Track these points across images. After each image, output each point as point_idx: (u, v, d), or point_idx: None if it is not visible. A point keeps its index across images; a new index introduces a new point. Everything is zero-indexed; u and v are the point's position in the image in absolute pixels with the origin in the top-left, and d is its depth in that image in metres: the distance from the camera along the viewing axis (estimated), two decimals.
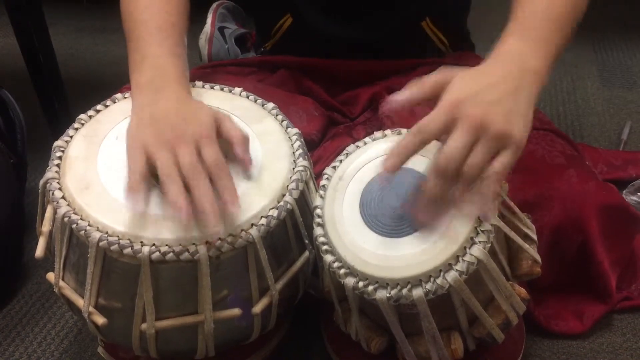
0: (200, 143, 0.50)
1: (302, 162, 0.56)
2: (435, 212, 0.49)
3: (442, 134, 0.48)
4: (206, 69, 0.79)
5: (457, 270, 0.48)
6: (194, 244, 0.49)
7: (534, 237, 0.57)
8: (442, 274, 0.48)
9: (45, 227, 0.54)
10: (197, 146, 0.50)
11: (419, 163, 0.53)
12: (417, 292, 0.48)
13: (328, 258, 0.52)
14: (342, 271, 0.51)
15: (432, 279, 0.48)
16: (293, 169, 0.55)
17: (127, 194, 0.49)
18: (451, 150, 0.47)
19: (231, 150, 0.52)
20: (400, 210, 0.51)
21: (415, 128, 0.49)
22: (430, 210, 0.49)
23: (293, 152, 0.56)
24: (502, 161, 0.47)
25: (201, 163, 0.49)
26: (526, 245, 0.55)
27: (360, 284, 0.50)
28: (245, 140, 0.52)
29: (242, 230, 0.51)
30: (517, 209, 0.56)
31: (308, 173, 0.56)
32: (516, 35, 0.53)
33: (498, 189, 0.48)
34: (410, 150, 0.49)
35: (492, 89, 0.49)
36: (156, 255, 0.49)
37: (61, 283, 0.55)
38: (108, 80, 1.24)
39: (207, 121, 0.52)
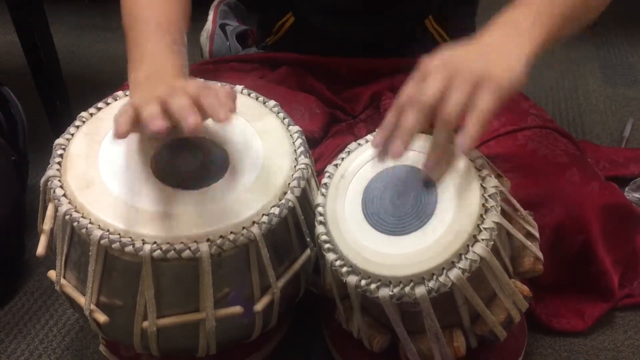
0: (185, 86, 0.49)
1: (304, 160, 0.55)
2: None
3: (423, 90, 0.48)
4: (207, 65, 0.78)
5: (460, 268, 0.48)
6: (195, 241, 0.49)
7: (536, 234, 0.56)
8: (444, 271, 0.48)
9: (46, 225, 0.54)
10: (182, 88, 0.48)
11: (421, 161, 0.53)
12: (420, 290, 0.48)
13: (330, 256, 0.52)
14: (344, 269, 0.51)
15: (434, 277, 0.48)
16: (295, 166, 0.55)
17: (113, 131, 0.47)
18: (424, 88, 0.47)
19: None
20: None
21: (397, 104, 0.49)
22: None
23: (295, 150, 0.56)
24: (483, 100, 0.46)
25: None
26: (528, 243, 0.55)
27: (363, 282, 0.50)
28: (232, 92, 0.50)
29: (243, 227, 0.51)
30: (519, 206, 0.56)
31: (310, 171, 0.56)
32: (513, 7, 0.53)
33: (478, 128, 0.46)
34: (411, 128, 0.49)
35: (472, 48, 0.50)
36: (158, 253, 0.49)
37: (62, 281, 0.55)
38: (109, 78, 1.23)
39: (198, 81, 0.51)
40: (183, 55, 0.58)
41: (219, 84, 0.61)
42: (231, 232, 0.50)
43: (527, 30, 0.51)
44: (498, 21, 0.52)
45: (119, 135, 0.47)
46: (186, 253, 0.49)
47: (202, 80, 0.54)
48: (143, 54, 0.56)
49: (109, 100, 0.59)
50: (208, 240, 0.49)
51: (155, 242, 0.49)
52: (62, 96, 1.02)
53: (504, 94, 0.47)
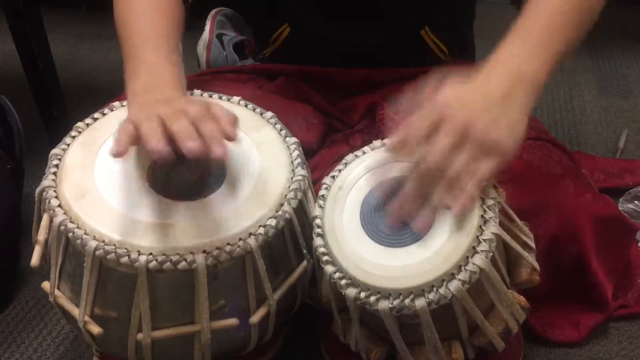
0: (187, 109, 0.49)
1: (301, 172, 0.55)
2: (414, 209, 0.49)
3: (428, 133, 0.49)
4: (204, 76, 0.78)
5: (459, 279, 0.48)
6: (191, 252, 0.49)
7: (532, 245, 0.56)
8: (444, 283, 0.48)
9: (41, 235, 0.54)
10: (184, 111, 0.48)
11: None
12: (420, 302, 0.48)
13: (329, 269, 0.52)
14: (343, 282, 0.51)
15: (434, 289, 0.48)
16: (291, 178, 0.55)
17: (112, 149, 0.47)
18: (434, 150, 0.48)
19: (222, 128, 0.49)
20: (386, 209, 0.51)
21: (402, 129, 0.50)
22: (409, 207, 0.49)
23: (291, 161, 0.56)
24: (485, 168, 0.48)
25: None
26: (525, 254, 0.55)
27: (362, 294, 0.50)
28: (234, 118, 0.50)
29: (240, 239, 0.50)
30: (515, 217, 0.56)
31: (306, 182, 0.56)
32: (514, 41, 0.53)
33: (476, 192, 0.48)
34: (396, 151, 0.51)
35: (481, 97, 0.50)
36: (153, 264, 0.48)
37: (56, 292, 0.55)
38: (106, 87, 1.23)
39: (199, 100, 0.52)
40: (180, 66, 0.58)
41: (222, 96, 0.61)
42: (227, 244, 0.50)
43: (530, 75, 0.51)
44: (499, 62, 0.52)
45: (118, 153, 0.47)
46: (182, 264, 0.49)
47: (205, 98, 0.54)
48: (140, 64, 0.55)
49: (105, 110, 0.59)
50: (204, 251, 0.49)
51: (151, 253, 0.49)
52: (59, 105, 1.02)
53: (505, 159, 0.49)
